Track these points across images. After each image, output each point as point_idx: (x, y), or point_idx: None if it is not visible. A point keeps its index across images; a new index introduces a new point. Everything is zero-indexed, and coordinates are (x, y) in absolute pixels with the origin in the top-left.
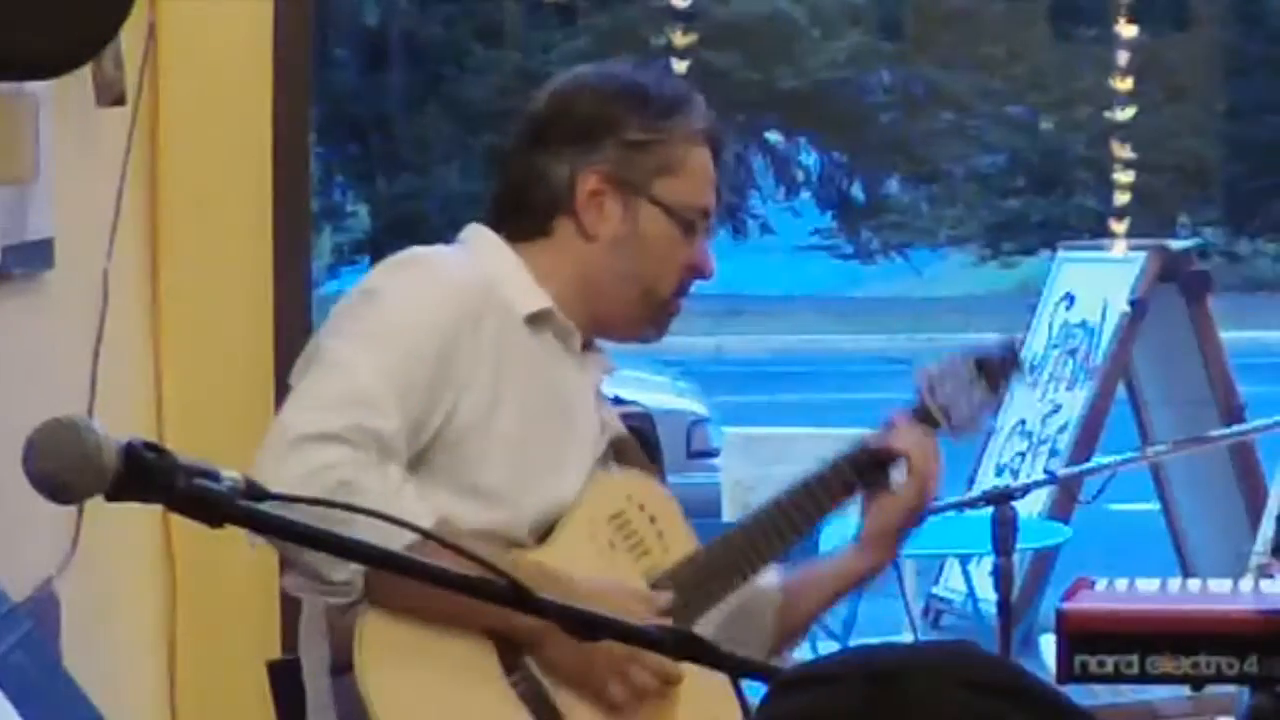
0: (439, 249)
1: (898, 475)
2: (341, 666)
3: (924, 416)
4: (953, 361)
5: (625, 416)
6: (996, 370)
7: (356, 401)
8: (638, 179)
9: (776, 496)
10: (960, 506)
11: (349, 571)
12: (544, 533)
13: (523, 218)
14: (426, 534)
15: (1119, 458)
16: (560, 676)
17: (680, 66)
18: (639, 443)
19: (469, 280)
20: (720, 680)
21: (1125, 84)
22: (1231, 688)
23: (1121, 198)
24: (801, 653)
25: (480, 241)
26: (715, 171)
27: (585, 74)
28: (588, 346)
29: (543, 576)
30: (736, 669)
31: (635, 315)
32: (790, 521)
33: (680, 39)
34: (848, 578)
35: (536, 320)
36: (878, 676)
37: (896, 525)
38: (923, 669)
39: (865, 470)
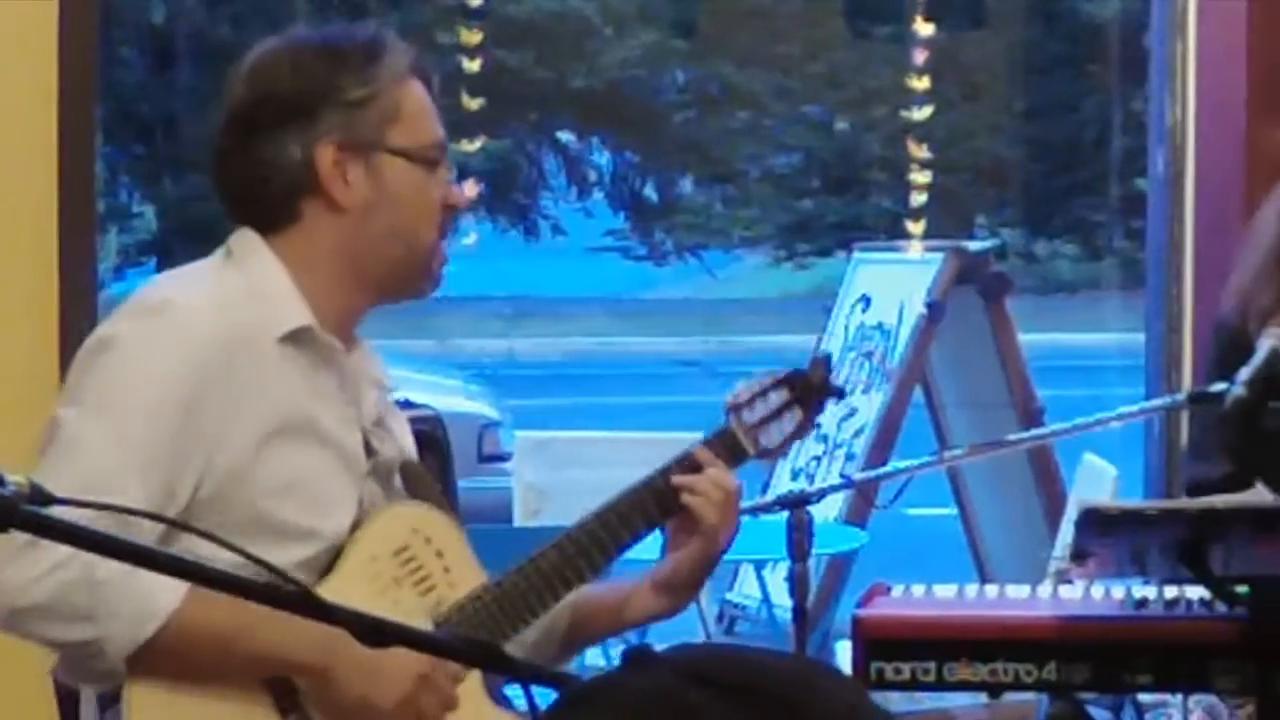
0: (191, 280)
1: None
2: None
3: (730, 443)
4: (762, 383)
5: (415, 420)
6: (809, 393)
7: (90, 489)
8: (370, 136)
9: (576, 527)
10: (755, 511)
11: (91, 629)
12: (325, 567)
13: (267, 210)
14: (279, 572)
15: (916, 462)
16: (338, 715)
17: (471, 65)
18: (429, 446)
19: (216, 324)
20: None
21: (922, 83)
22: (1030, 695)
23: (918, 198)
24: (595, 659)
25: (243, 250)
26: (431, 100)
27: (275, 50)
28: (353, 344)
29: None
30: (531, 678)
31: (407, 272)
32: (587, 558)
33: (471, 37)
34: (638, 616)
35: (296, 339)
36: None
37: (687, 574)
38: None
39: (667, 504)
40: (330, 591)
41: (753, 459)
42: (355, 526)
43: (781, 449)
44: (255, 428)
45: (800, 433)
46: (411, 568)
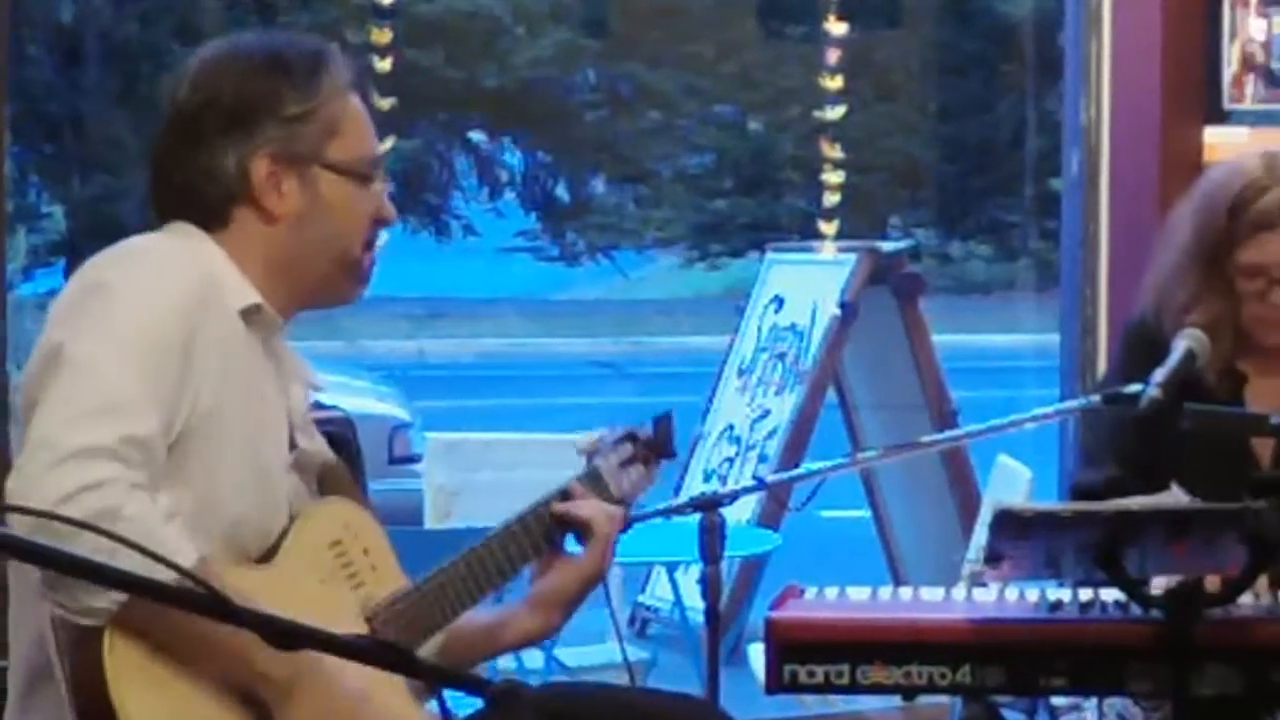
0: (152, 238)
1: (570, 544)
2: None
3: (598, 482)
4: (613, 434)
5: (326, 422)
6: (649, 451)
7: (115, 409)
8: (307, 150)
9: (476, 548)
10: (667, 513)
11: (108, 600)
12: (266, 550)
13: (201, 214)
14: (185, 573)
15: (829, 464)
16: None
17: (382, 64)
18: (340, 447)
19: (192, 268)
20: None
21: (835, 83)
22: (944, 698)
23: (831, 199)
24: (505, 662)
25: (185, 233)
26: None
27: (220, 56)
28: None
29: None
30: (443, 681)
31: (334, 282)
32: (477, 581)
33: (381, 36)
34: (514, 638)
35: (248, 315)
36: None
37: (569, 592)
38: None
39: (549, 534)
40: (279, 576)
41: (615, 502)
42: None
43: (631, 498)
44: (225, 379)
45: (640, 488)
46: (344, 562)
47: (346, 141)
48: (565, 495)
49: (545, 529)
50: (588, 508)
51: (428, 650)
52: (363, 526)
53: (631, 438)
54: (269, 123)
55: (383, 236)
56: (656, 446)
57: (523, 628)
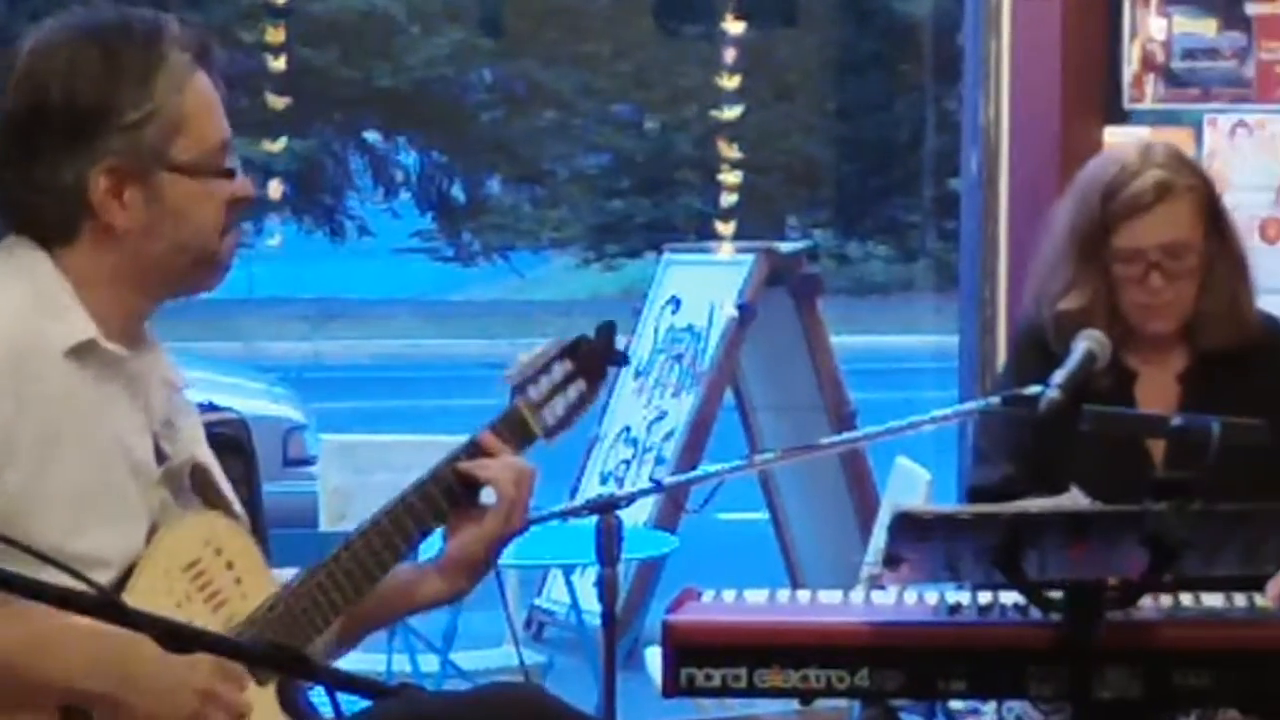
0: None
1: (487, 495)
2: None
3: (515, 425)
4: (545, 355)
5: (220, 424)
6: (592, 360)
7: None
8: (149, 157)
9: (366, 526)
10: (564, 516)
11: None
12: (116, 585)
13: (44, 228)
14: (79, 575)
15: (726, 466)
16: None
17: (276, 63)
18: (234, 449)
19: (4, 333)
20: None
21: (732, 82)
22: (842, 701)
23: (729, 199)
24: (401, 665)
25: (23, 258)
26: (216, 86)
27: (48, 49)
28: (142, 345)
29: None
30: (334, 683)
31: (194, 276)
32: (378, 560)
33: (275, 35)
34: (422, 600)
35: (80, 352)
36: None
37: (480, 554)
38: None
39: (454, 495)
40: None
41: (541, 439)
42: (147, 540)
43: (567, 423)
44: (43, 443)
45: (584, 404)
46: (202, 583)
47: (191, 138)
48: (476, 448)
49: (448, 492)
50: (491, 468)
51: (331, 633)
52: (225, 539)
53: (570, 351)
54: (107, 133)
55: (274, 237)
56: (600, 354)
57: (432, 590)
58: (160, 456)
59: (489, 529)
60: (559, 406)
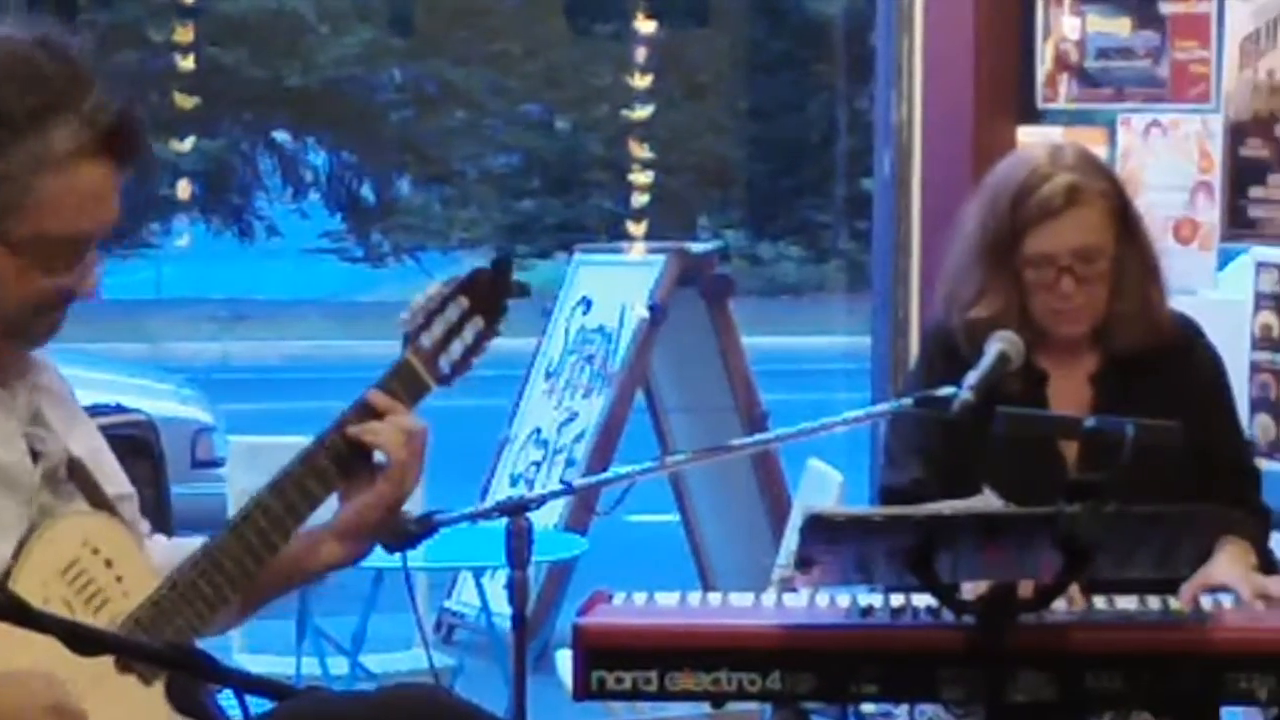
0: None
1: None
2: None
3: (406, 378)
4: (439, 296)
5: (127, 425)
6: (489, 296)
7: None
8: None
9: (251, 507)
10: (474, 518)
11: None
12: None
13: None
14: None
15: (637, 467)
16: None
17: (185, 63)
18: (142, 451)
19: None
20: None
21: (643, 82)
22: (753, 705)
23: (640, 199)
24: (311, 668)
25: None
26: (116, 174)
27: None
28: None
29: None
30: (241, 685)
31: (8, 340)
32: (265, 540)
33: (184, 34)
34: (319, 566)
35: None
36: None
37: (372, 520)
38: None
39: (344, 462)
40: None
41: (437, 388)
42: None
43: (465, 366)
44: None
45: (482, 343)
46: (80, 585)
47: (32, 220)
48: (365, 409)
49: (338, 460)
50: (379, 432)
51: (228, 612)
52: (103, 537)
53: (465, 288)
54: None
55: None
56: (497, 289)
57: (329, 556)
58: (35, 458)
59: (382, 493)
60: (455, 350)
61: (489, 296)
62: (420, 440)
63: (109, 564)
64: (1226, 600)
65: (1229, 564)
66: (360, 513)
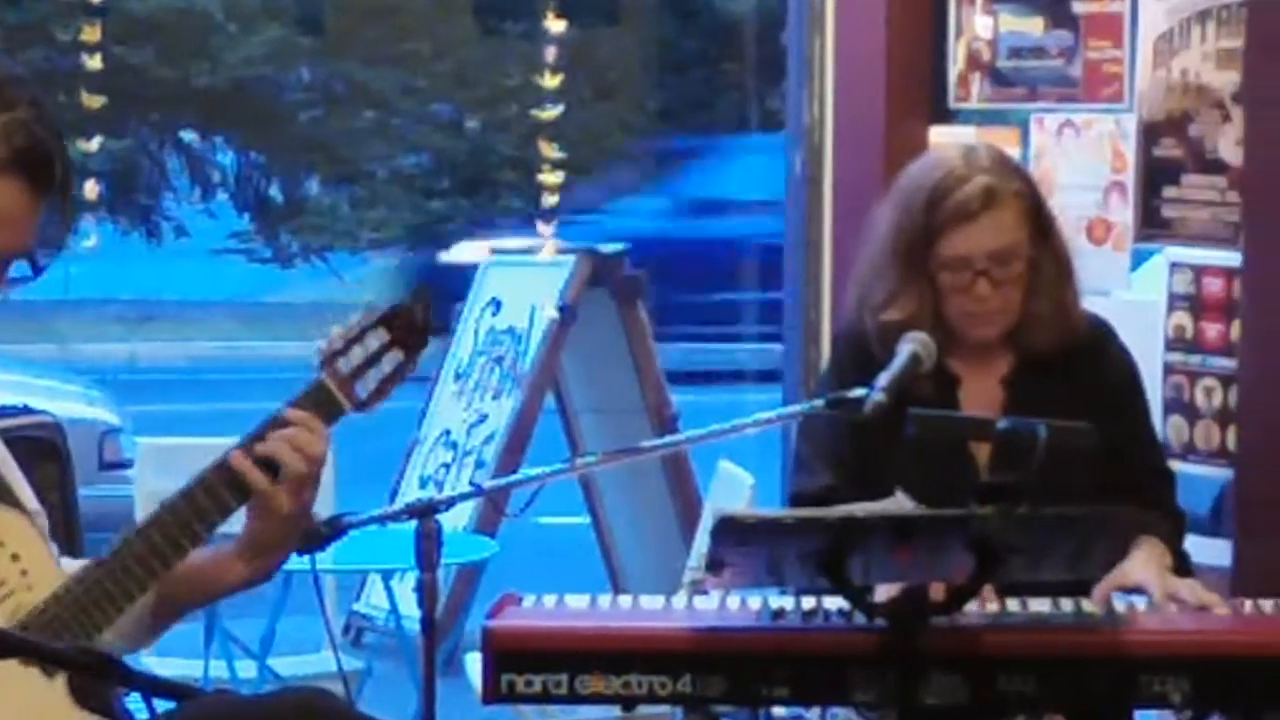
0: None
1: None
2: None
3: (323, 399)
4: (358, 326)
5: (34, 427)
6: (409, 331)
7: None
8: None
9: (162, 511)
10: (383, 520)
11: None
12: None
13: None
14: None
15: (547, 469)
16: None
17: (92, 62)
18: (49, 453)
19: None
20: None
21: (554, 81)
22: (664, 708)
23: (550, 199)
24: (219, 671)
25: None
26: (32, 199)
27: None
28: None
29: None
30: (147, 688)
31: None
32: (175, 538)
33: (91, 34)
34: (223, 585)
35: None
36: None
37: (274, 536)
38: None
39: (249, 474)
40: None
41: (351, 412)
42: None
43: (382, 395)
44: None
45: (400, 375)
46: None
47: None
48: (278, 423)
49: (232, 479)
50: (274, 444)
51: (131, 617)
52: (8, 532)
53: (386, 321)
54: None
55: (90, 238)
56: (417, 324)
57: (235, 574)
58: None
59: (279, 507)
60: (372, 379)
61: (409, 330)
62: (315, 453)
63: (15, 558)
64: (1140, 603)
65: (1143, 564)
66: (262, 529)
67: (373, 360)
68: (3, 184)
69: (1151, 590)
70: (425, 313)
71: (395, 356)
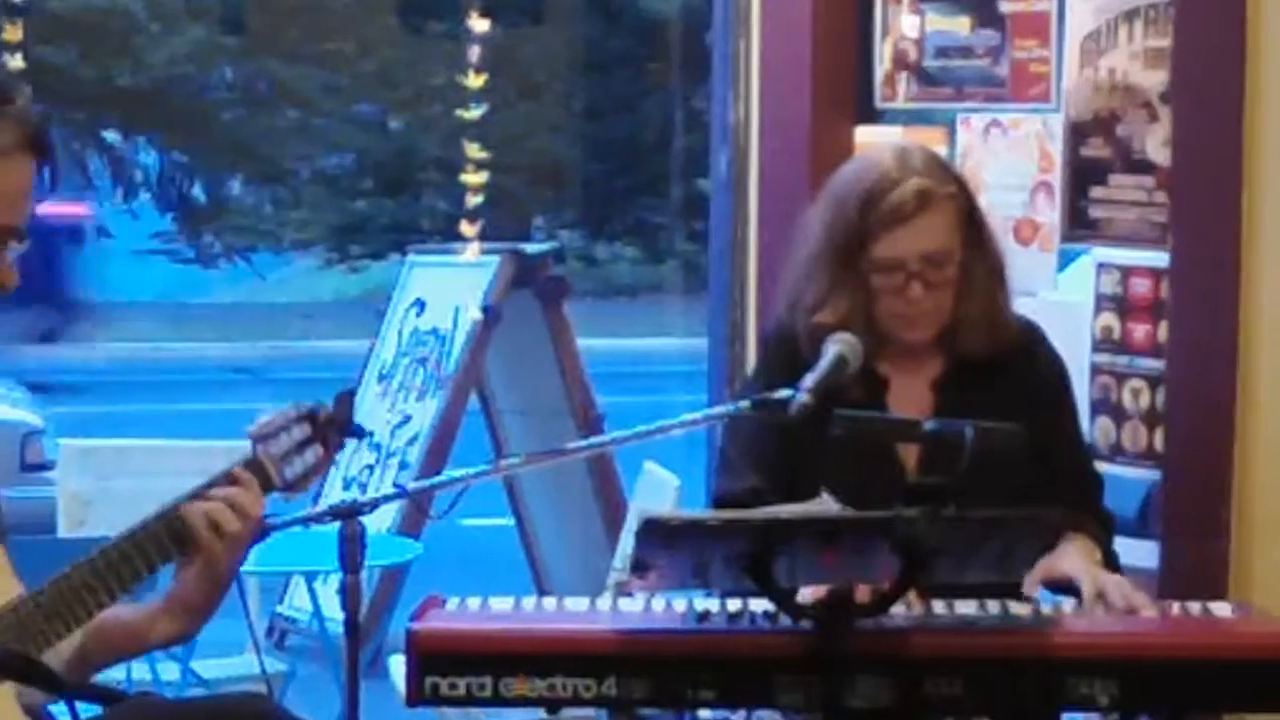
0: None
1: None
2: None
3: (259, 471)
4: (285, 415)
5: None
6: (329, 430)
7: None
8: None
9: (101, 551)
10: (306, 522)
11: None
12: None
13: None
14: None
15: (471, 471)
16: None
17: (14, 62)
18: None
19: None
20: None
21: (478, 81)
22: (589, 711)
23: (474, 199)
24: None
25: None
26: (33, 175)
27: None
28: None
29: None
30: (74, 694)
31: None
32: (117, 575)
33: (12, 33)
34: (156, 639)
35: None
36: None
37: (202, 594)
38: None
39: (181, 537)
40: None
41: (279, 490)
42: None
43: (303, 484)
44: None
45: (319, 469)
46: None
47: None
48: (226, 479)
49: (172, 533)
50: (208, 502)
51: (63, 652)
52: None
53: (310, 417)
54: None
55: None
56: (337, 424)
57: (162, 630)
58: None
59: (214, 563)
60: (297, 465)
61: (328, 430)
62: (242, 515)
63: None
64: (1068, 604)
65: (1074, 556)
66: (185, 587)
67: (297, 450)
68: (20, 162)
69: (1080, 582)
70: (346, 414)
71: (316, 450)
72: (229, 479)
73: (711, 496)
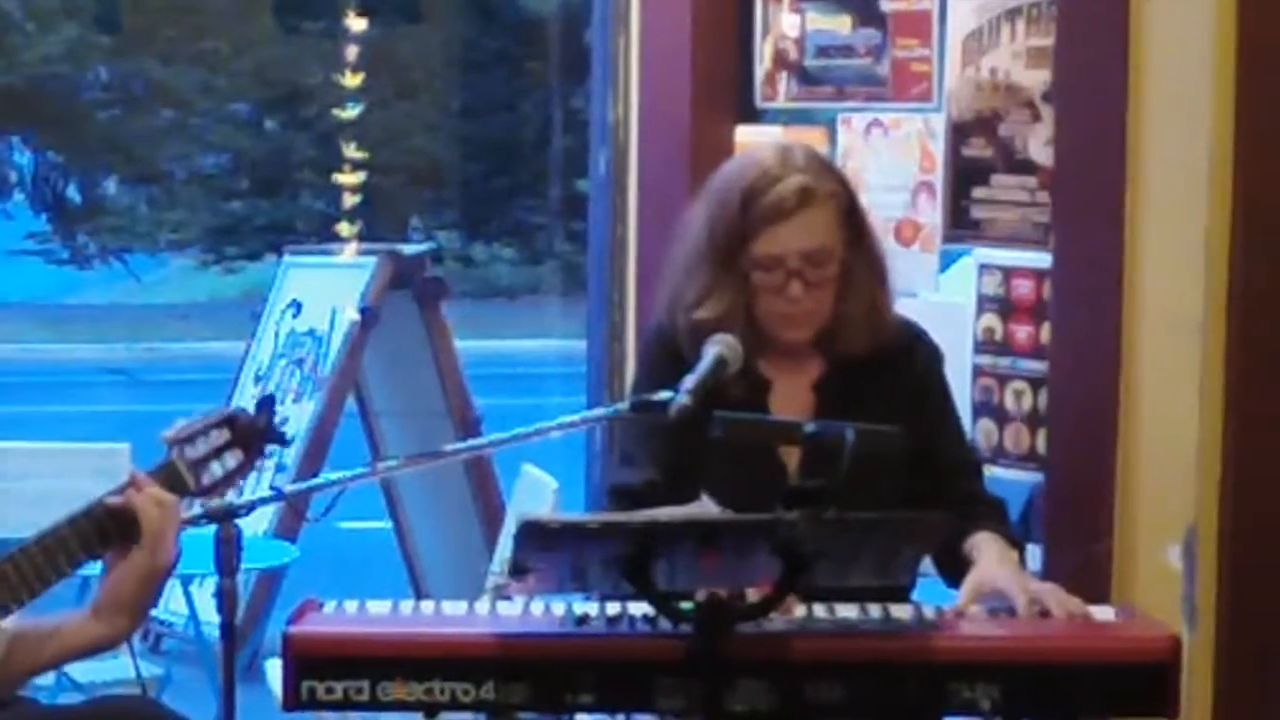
0: None
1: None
2: None
3: (171, 476)
4: (206, 421)
5: None
6: (249, 436)
7: None
8: None
9: (17, 552)
10: (181, 524)
11: None
12: None
13: None
14: None
15: (348, 473)
16: None
17: None
18: None
19: None
20: None
21: (354, 80)
22: (468, 715)
23: (350, 200)
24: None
25: None
26: None
27: None
28: None
29: None
30: None
31: None
32: (27, 580)
33: None
34: (77, 646)
35: None
36: None
37: (132, 593)
38: None
39: (107, 532)
40: None
41: (194, 495)
42: None
43: (223, 487)
44: None
45: (240, 473)
46: None
47: None
48: (135, 483)
49: (98, 528)
50: (135, 497)
51: None
52: None
53: (229, 422)
54: None
55: None
56: (258, 430)
57: (90, 634)
58: None
59: (138, 563)
60: (216, 470)
61: (249, 435)
62: (172, 513)
63: None
64: (948, 607)
65: (998, 565)
66: (117, 586)
67: (215, 454)
68: None
69: (1013, 596)
70: (267, 420)
71: (237, 455)
72: (137, 483)
73: (604, 486)
